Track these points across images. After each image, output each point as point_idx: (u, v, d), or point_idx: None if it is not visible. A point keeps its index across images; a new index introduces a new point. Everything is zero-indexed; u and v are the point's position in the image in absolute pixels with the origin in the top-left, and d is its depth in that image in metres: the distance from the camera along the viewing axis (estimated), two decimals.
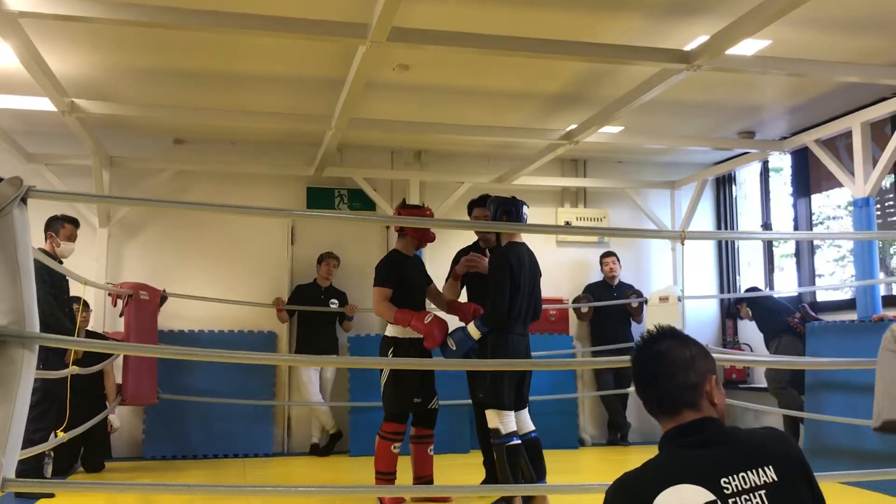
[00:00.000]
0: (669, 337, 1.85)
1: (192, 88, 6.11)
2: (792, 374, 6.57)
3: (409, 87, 5.98)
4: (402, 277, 4.95)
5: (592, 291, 7.80)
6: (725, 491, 1.58)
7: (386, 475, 4.86)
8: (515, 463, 4.45)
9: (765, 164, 7.96)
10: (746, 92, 6.20)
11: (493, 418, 4.51)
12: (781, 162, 7.79)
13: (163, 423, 6.83)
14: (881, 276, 6.25)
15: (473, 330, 4.54)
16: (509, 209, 4.66)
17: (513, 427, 4.50)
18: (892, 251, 6.77)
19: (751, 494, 1.58)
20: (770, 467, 1.62)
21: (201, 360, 6.64)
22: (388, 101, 6.31)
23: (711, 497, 1.58)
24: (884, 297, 6.12)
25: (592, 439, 7.84)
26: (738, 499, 1.58)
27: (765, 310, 6.97)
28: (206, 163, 7.48)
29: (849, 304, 6.58)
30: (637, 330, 7.83)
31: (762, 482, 1.60)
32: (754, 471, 1.61)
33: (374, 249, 7.90)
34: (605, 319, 7.79)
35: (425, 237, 5.08)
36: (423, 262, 5.36)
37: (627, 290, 7.85)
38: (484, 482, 5.06)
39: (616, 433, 7.73)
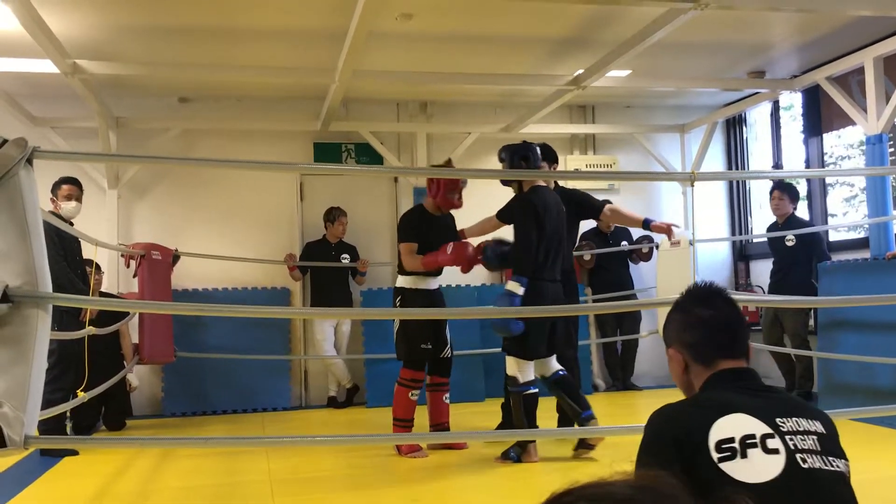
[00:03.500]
0: (721, 291, 1.96)
1: (194, 45, 6.06)
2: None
3: (412, 37, 5.91)
4: (423, 233, 5.00)
5: (590, 239, 7.74)
6: (781, 428, 1.62)
7: (403, 422, 4.94)
8: (531, 412, 4.49)
9: (775, 104, 7.85)
10: (755, 30, 6.09)
11: (512, 365, 4.53)
12: (792, 99, 7.68)
13: (181, 380, 6.93)
14: (894, 213, 6.20)
15: (515, 286, 4.41)
16: (526, 154, 4.60)
17: (531, 376, 4.51)
18: None
19: (805, 436, 1.63)
20: (817, 422, 1.68)
21: (217, 315, 6.72)
22: (391, 52, 6.24)
23: (769, 430, 1.61)
24: None
25: (606, 385, 7.90)
26: (794, 437, 1.61)
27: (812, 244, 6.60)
28: (211, 120, 7.45)
29: (862, 243, 6.54)
30: (636, 274, 7.82)
31: (813, 430, 1.65)
32: (806, 420, 1.67)
33: (383, 203, 7.90)
34: (605, 266, 7.76)
35: (445, 203, 5.04)
36: (453, 220, 5.32)
37: (622, 234, 7.81)
38: (499, 426, 5.13)
39: (617, 380, 7.79)
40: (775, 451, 1.58)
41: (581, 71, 6.47)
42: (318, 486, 4.33)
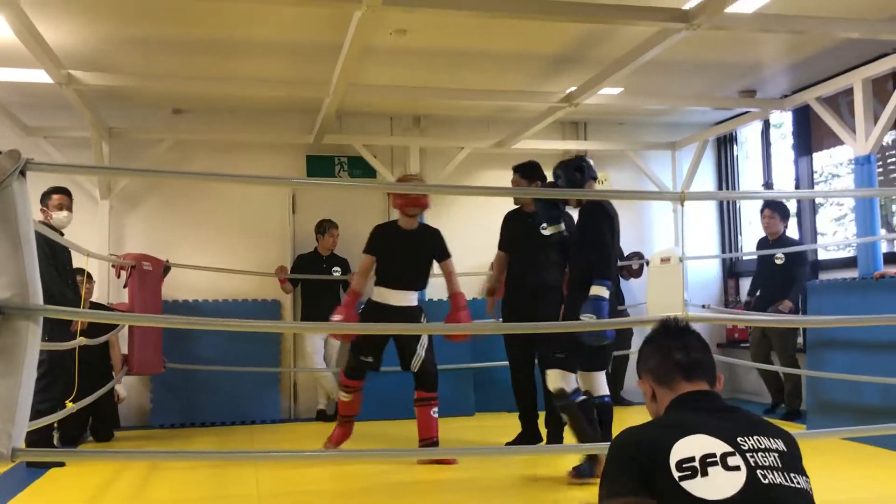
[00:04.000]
0: (689, 327, 2.05)
1: (188, 57, 6.07)
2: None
3: (406, 52, 5.94)
4: (383, 248, 5.19)
5: None
6: (742, 446, 1.66)
7: (344, 417, 5.31)
8: (590, 418, 4.38)
9: (766, 123, 7.92)
10: (746, 50, 6.15)
11: (557, 379, 4.41)
12: (783, 118, 7.74)
13: (170, 392, 6.90)
14: (882, 232, 6.25)
15: (601, 290, 4.32)
16: (580, 165, 4.67)
17: (574, 385, 4.43)
18: (893, 208, 6.76)
19: (766, 453, 1.67)
20: (779, 440, 1.73)
21: (207, 328, 6.69)
22: (385, 67, 6.27)
23: (729, 448, 1.65)
24: (885, 255, 6.12)
25: None
26: (755, 454, 1.65)
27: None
28: (205, 132, 7.46)
29: (850, 262, 6.58)
30: (628, 289, 7.85)
31: (774, 447, 1.69)
32: (767, 437, 1.71)
33: (375, 217, 7.88)
34: None
35: (408, 204, 5.17)
36: (432, 238, 5.37)
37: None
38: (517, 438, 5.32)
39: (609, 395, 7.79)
40: (736, 468, 1.62)
41: (574, 88, 6.51)
42: (306, 500, 4.32)
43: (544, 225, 5.33)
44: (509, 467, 4.90)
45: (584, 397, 4.43)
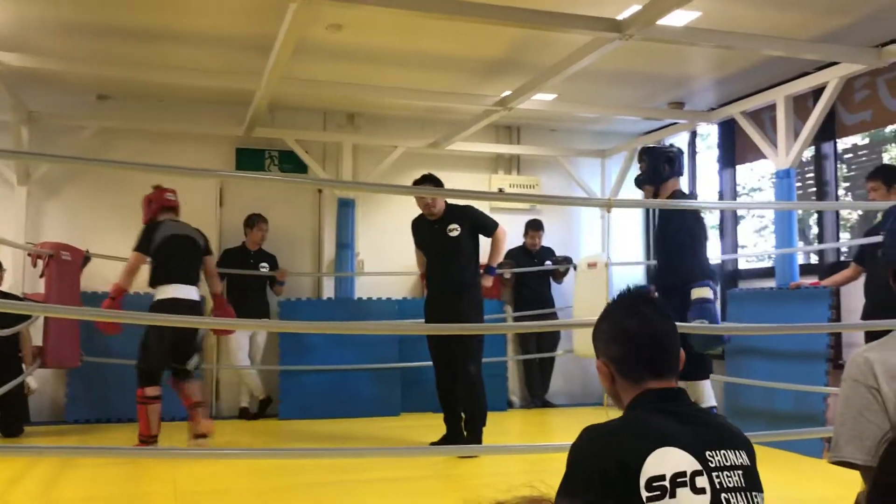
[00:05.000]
0: (654, 299, 1.85)
1: (117, 43, 5.89)
2: None
3: (342, 48, 5.89)
4: (150, 247, 5.44)
5: (514, 257, 7.83)
6: (710, 463, 1.58)
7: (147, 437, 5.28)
8: None
9: (693, 134, 8.13)
10: (676, 63, 6.30)
11: (702, 391, 4.06)
12: (709, 130, 7.96)
13: (86, 386, 6.68)
14: (800, 244, 6.48)
15: (705, 291, 4.04)
16: (671, 157, 4.29)
17: (712, 400, 4.13)
18: (810, 221, 7.01)
19: (731, 472, 1.60)
20: (742, 452, 1.65)
21: (128, 322, 6.50)
22: (320, 62, 6.21)
23: (698, 466, 1.57)
24: (801, 266, 6.35)
25: (522, 402, 7.98)
26: (720, 473, 1.58)
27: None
28: (131, 120, 7.24)
29: (769, 272, 6.80)
30: (557, 293, 7.96)
31: (738, 463, 1.62)
32: (732, 451, 1.63)
33: (306, 213, 7.83)
34: (528, 284, 7.87)
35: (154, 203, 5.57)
36: (196, 238, 5.62)
37: (547, 254, 7.95)
38: (442, 439, 5.30)
39: (535, 397, 7.88)
40: (702, 491, 1.55)
41: (508, 92, 6.56)
42: (224, 498, 4.23)
43: (453, 226, 5.34)
44: (434, 467, 4.91)
45: (714, 410, 4.08)
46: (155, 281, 5.44)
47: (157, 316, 4.99)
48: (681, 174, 4.35)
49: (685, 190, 4.52)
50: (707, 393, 4.11)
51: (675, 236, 4.22)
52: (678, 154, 4.30)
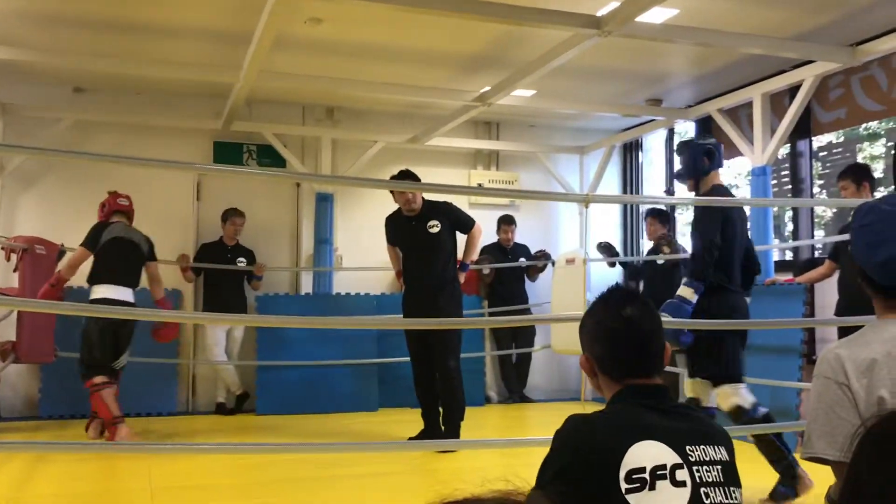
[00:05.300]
0: (640, 297, 1.86)
1: (96, 35, 5.82)
2: None
3: (321, 42, 5.87)
4: (95, 245, 5.57)
5: (489, 254, 7.84)
6: (690, 458, 1.61)
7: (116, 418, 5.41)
8: (776, 433, 3.92)
9: (670, 131, 8.17)
10: (654, 60, 6.33)
11: (730, 395, 3.95)
12: (686, 127, 8.01)
13: (60, 381, 6.60)
14: (775, 241, 6.54)
15: (687, 292, 3.95)
16: (710, 150, 4.16)
17: (751, 398, 3.98)
18: (786, 218, 7.08)
19: (710, 466, 1.62)
20: (722, 448, 1.68)
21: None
22: (299, 55, 6.18)
23: (678, 460, 1.59)
24: (776, 262, 6.42)
25: (500, 397, 8.00)
26: (700, 468, 1.61)
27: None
28: (108, 113, 7.17)
29: None
30: (531, 290, 7.98)
31: (718, 458, 1.65)
32: (712, 447, 1.66)
33: (283, 207, 7.80)
34: (502, 281, 7.88)
35: (108, 206, 5.76)
36: (140, 244, 5.85)
37: (522, 251, 7.98)
38: (420, 434, 5.29)
39: (513, 392, 7.90)
40: (682, 484, 1.58)
41: (488, 88, 6.57)
42: (201, 494, 4.21)
43: (433, 223, 5.37)
44: (412, 462, 4.92)
45: (766, 410, 3.97)
46: (92, 279, 5.63)
47: (115, 310, 5.13)
48: (720, 167, 4.25)
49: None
50: (737, 395, 3.98)
51: (699, 227, 4.11)
52: (717, 146, 4.22)
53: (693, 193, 4.35)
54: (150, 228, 7.21)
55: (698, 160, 4.16)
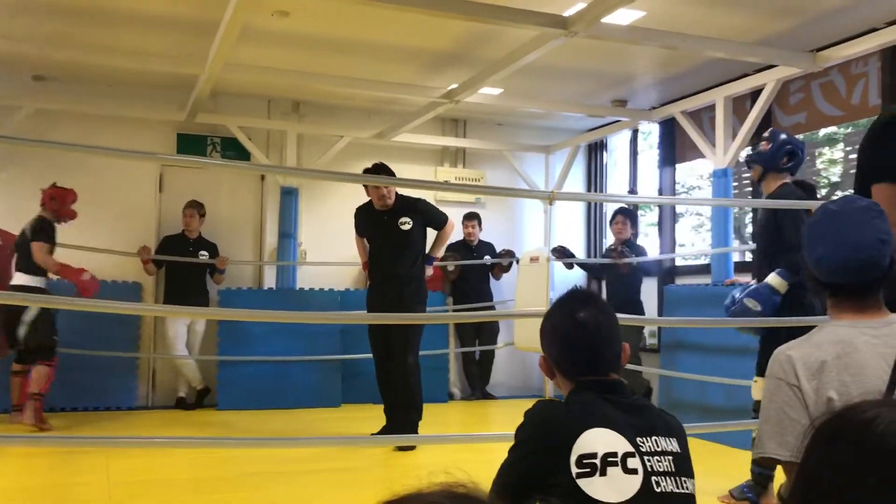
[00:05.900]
0: (596, 300, 1.92)
1: (56, 22, 5.71)
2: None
3: (288, 35, 5.82)
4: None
5: (455, 251, 7.85)
6: (641, 448, 1.65)
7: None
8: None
9: (634, 132, 8.25)
10: (620, 62, 6.39)
11: (758, 390, 3.90)
12: (650, 129, 8.10)
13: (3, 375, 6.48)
14: (735, 243, 6.64)
15: (780, 283, 3.81)
16: (794, 150, 3.99)
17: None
18: (746, 220, 7.20)
19: (661, 457, 1.67)
20: (673, 440, 1.72)
21: (63, 308, 6.34)
22: (266, 48, 6.13)
23: (630, 448, 1.63)
24: (736, 263, 6.52)
25: (463, 394, 8.03)
26: (651, 458, 1.65)
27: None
28: (68, 102, 7.04)
29: (705, 269, 6.96)
30: (496, 288, 8.02)
31: (669, 450, 1.69)
32: (664, 439, 1.70)
33: (248, 201, 7.74)
34: (466, 278, 7.89)
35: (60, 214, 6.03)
36: (24, 230, 5.91)
37: (486, 248, 8.01)
38: (382, 430, 5.27)
39: (476, 389, 7.93)
40: (634, 472, 1.61)
41: (455, 85, 6.58)
42: (158, 489, 4.17)
43: (404, 219, 5.37)
44: (373, 457, 4.91)
45: None
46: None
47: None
48: (793, 173, 4.09)
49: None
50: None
51: (785, 228, 3.95)
52: (801, 151, 4.04)
53: (755, 180, 4.23)
54: (112, 219, 7.18)
55: (778, 154, 4.02)
